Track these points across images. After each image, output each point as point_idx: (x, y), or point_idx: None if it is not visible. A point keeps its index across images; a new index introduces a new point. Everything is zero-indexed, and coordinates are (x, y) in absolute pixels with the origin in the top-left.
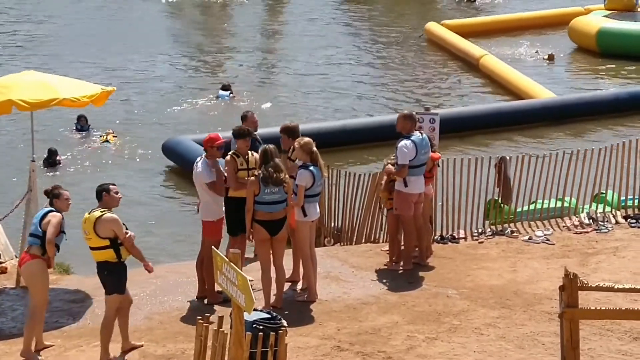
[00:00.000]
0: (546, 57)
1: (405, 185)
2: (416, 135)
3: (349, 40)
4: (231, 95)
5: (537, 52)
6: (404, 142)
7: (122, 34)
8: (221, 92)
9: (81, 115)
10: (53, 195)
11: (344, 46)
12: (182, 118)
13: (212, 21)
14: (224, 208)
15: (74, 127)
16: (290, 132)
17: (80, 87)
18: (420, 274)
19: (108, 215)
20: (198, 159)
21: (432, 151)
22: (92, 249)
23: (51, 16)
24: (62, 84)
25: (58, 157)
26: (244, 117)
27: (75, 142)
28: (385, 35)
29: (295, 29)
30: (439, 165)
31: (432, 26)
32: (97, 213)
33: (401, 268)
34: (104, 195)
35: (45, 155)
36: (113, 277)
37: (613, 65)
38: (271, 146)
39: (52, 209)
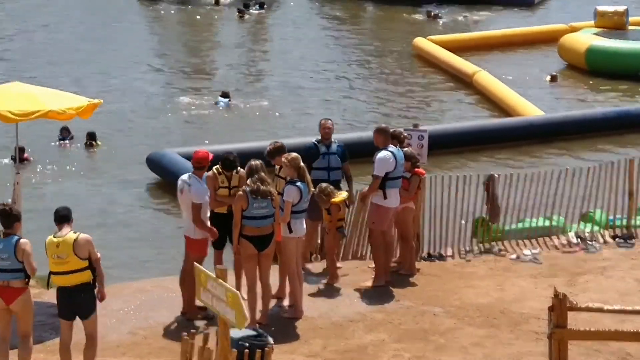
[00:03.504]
0: (548, 78)
1: (385, 198)
2: (392, 147)
3: (337, 55)
4: (230, 102)
5: (549, 77)
6: (384, 153)
7: (110, 45)
8: (220, 99)
9: (64, 127)
10: (16, 218)
11: (332, 61)
12: (177, 127)
13: (201, 33)
14: (208, 223)
15: (57, 139)
16: (277, 151)
17: (66, 99)
18: (407, 291)
19: (83, 235)
20: (186, 176)
21: (417, 167)
22: (67, 272)
23: (38, 27)
24: (47, 96)
25: (26, 155)
26: (320, 124)
27: (58, 152)
28: (373, 51)
29: (284, 44)
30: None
31: (420, 41)
32: (72, 235)
33: (370, 285)
34: (71, 219)
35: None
36: (90, 297)
37: (602, 84)
38: (257, 161)
39: (17, 236)
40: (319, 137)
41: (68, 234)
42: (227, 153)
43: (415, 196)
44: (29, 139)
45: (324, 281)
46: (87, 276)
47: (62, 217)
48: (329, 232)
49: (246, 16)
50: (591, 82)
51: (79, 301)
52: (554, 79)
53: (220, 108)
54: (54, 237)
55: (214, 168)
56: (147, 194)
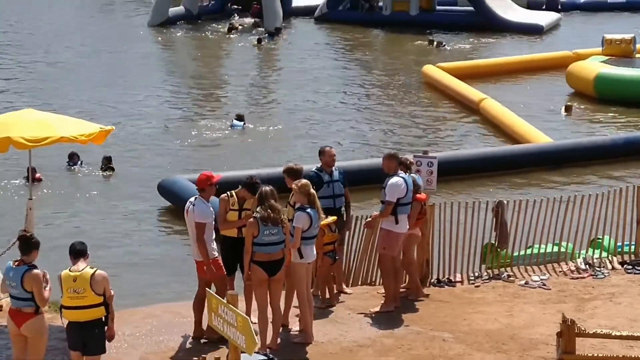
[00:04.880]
0: (563, 109)
1: (397, 223)
2: (402, 173)
3: (347, 81)
4: (244, 125)
5: (563, 108)
6: (396, 179)
7: (122, 71)
8: (235, 122)
9: (73, 152)
10: (35, 245)
11: (342, 87)
12: (192, 152)
13: (213, 58)
14: (214, 244)
15: (67, 164)
16: (294, 173)
17: (78, 126)
18: (417, 317)
19: (100, 271)
20: (192, 198)
21: (418, 193)
22: (83, 307)
23: (51, 54)
24: (60, 123)
25: (38, 175)
26: (321, 152)
27: (69, 177)
28: (383, 78)
29: (295, 70)
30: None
31: (429, 69)
32: (89, 270)
33: (379, 310)
34: (87, 254)
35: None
36: (101, 333)
37: (610, 111)
38: (268, 187)
39: (28, 266)
40: (319, 165)
41: (85, 268)
42: (251, 176)
43: (420, 222)
44: (41, 162)
45: (332, 307)
46: (100, 312)
47: (78, 252)
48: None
49: (263, 43)
50: (599, 109)
51: (90, 336)
52: (568, 109)
53: (235, 130)
54: (70, 271)
55: (229, 192)
56: (159, 220)
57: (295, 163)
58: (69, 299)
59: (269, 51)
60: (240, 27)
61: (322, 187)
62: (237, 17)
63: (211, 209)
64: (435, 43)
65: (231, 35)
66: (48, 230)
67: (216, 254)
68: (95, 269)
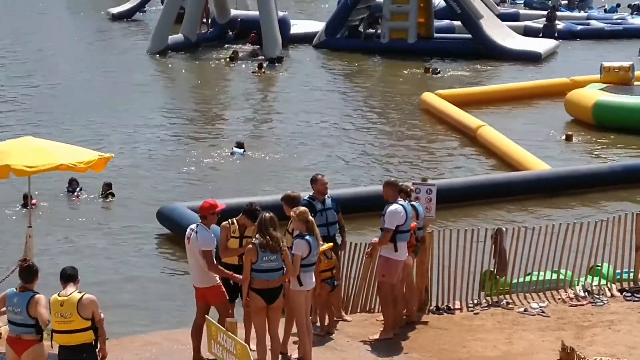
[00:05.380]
0: (564, 137)
1: (396, 250)
2: (402, 201)
3: (346, 109)
4: (244, 152)
5: (564, 137)
6: (395, 206)
7: (121, 97)
8: (236, 149)
9: (73, 178)
10: (36, 273)
11: (341, 115)
12: (192, 179)
13: (212, 85)
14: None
15: (66, 190)
16: (292, 201)
17: (77, 153)
18: (416, 344)
19: (87, 295)
20: (193, 225)
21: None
22: (70, 332)
23: (49, 81)
24: (59, 150)
25: (33, 201)
26: (313, 180)
27: (68, 203)
28: (381, 105)
29: (292, 98)
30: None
31: (427, 96)
32: (76, 295)
33: (378, 337)
34: (78, 279)
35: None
36: (91, 357)
37: (609, 138)
38: (267, 214)
39: (33, 292)
40: (312, 194)
41: (73, 293)
42: (251, 203)
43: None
44: (40, 187)
45: (331, 334)
46: (89, 336)
47: (69, 277)
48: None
49: (263, 70)
50: (598, 136)
51: None
52: (569, 138)
53: (236, 157)
54: (58, 296)
55: (230, 219)
56: (157, 247)
57: (293, 190)
58: (57, 324)
59: (269, 78)
60: (241, 54)
61: (316, 216)
62: (241, 47)
63: (213, 235)
64: (430, 70)
65: (232, 64)
66: (47, 257)
67: (218, 280)
68: (83, 293)
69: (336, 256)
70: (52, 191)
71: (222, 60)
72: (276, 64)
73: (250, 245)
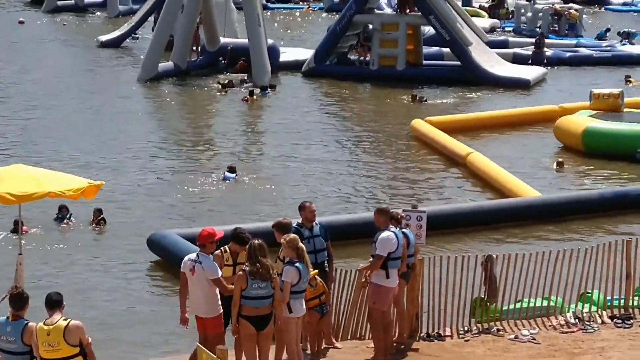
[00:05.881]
0: (555, 164)
1: (387, 278)
2: (393, 228)
3: (337, 135)
4: (236, 177)
5: (555, 164)
6: (387, 233)
7: (112, 125)
8: (227, 174)
9: (62, 205)
10: (27, 301)
11: (330, 142)
12: (184, 205)
13: (204, 111)
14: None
15: (56, 217)
16: (283, 227)
17: (66, 181)
18: None
19: (73, 322)
20: (193, 255)
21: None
22: None
23: (35, 108)
24: (48, 178)
25: (24, 228)
26: (301, 207)
27: (58, 230)
28: (371, 132)
29: (282, 124)
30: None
31: (417, 123)
32: (62, 322)
33: None
34: (63, 305)
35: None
36: None
37: (599, 165)
38: (257, 242)
39: (26, 320)
40: (300, 221)
41: (59, 321)
42: (237, 228)
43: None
44: (30, 214)
45: None
46: None
47: (54, 303)
48: None
49: (255, 97)
50: (588, 163)
51: None
52: (560, 165)
53: (228, 182)
54: (44, 324)
55: (222, 247)
56: (148, 275)
57: (284, 217)
58: (45, 352)
59: (259, 105)
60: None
61: (303, 243)
62: (230, 74)
63: (215, 262)
64: (417, 98)
65: (224, 92)
66: (38, 284)
67: (220, 310)
68: (68, 320)
69: (324, 283)
70: (42, 217)
71: (214, 87)
72: (268, 92)
73: (240, 272)
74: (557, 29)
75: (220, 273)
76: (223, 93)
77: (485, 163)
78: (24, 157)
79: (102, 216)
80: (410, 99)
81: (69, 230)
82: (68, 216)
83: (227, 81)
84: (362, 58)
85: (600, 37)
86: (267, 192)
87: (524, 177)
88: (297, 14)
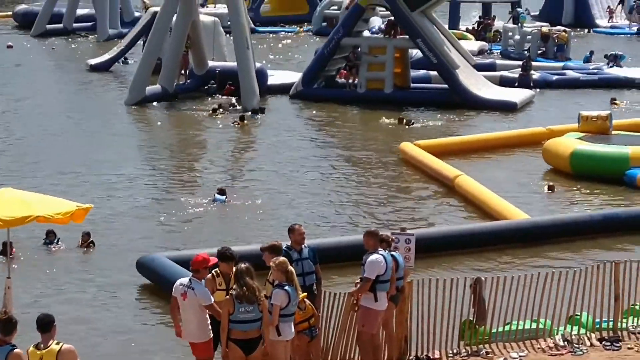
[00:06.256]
0: (546, 188)
1: (376, 300)
2: (382, 251)
3: (325, 158)
4: (226, 199)
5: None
6: (376, 256)
7: (100, 148)
8: (218, 196)
9: (50, 230)
10: (15, 326)
11: (319, 164)
12: (174, 227)
13: (192, 135)
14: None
15: (43, 242)
16: (275, 250)
17: (54, 205)
18: None
19: (66, 346)
20: (186, 280)
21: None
22: None
23: (24, 131)
24: (37, 202)
25: (13, 250)
26: (291, 230)
27: (45, 254)
28: (360, 155)
29: (271, 147)
30: None
31: (406, 146)
32: (55, 346)
33: None
34: (54, 326)
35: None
36: None
37: (587, 187)
38: (244, 265)
39: (11, 346)
40: (289, 244)
41: (51, 345)
42: (221, 248)
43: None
44: (17, 239)
45: None
46: None
47: (45, 325)
48: None
49: (245, 121)
50: (576, 185)
51: None
52: (551, 188)
53: (218, 205)
54: (36, 349)
55: (213, 271)
56: (138, 298)
57: (276, 240)
58: None
59: (249, 128)
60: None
61: (292, 266)
62: (220, 97)
63: (206, 287)
64: (404, 121)
65: (215, 115)
66: (27, 309)
67: (211, 335)
68: (61, 344)
69: (313, 306)
70: (31, 240)
71: (203, 110)
72: (259, 115)
73: (227, 297)
74: (544, 50)
75: (212, 299)
76: (214, 117)
77: (473, 186)
78: (9, 180)
79: (90, 239)
80: (398, 122)
81: (58, 254)
82: (56, 241)
83: (217, 105)
84: (350, 81)
85: (586, 60)
86: (257, 214)
87: (512, 200)
88: (282, 35)
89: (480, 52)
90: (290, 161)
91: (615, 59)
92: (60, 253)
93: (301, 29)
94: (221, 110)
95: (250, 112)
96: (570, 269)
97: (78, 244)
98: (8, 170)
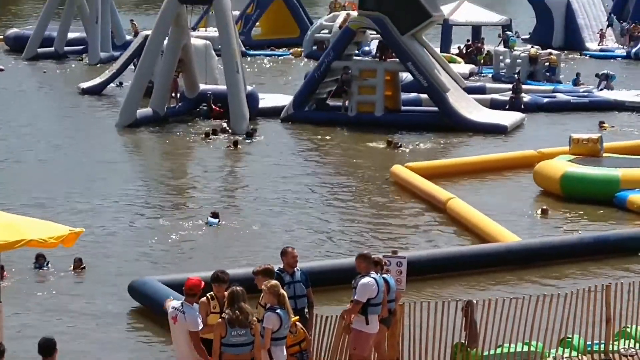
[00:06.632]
0: (539, 212)
1: (367, 323)
2: (374, 274)
3: (316, 182)
4: (219, 222)
5: (539, 211)
6: (367, 279)
7: (91, 171)
8: (211, 220)
9: (39, 254)
10: (3, 353)
11: (311, 188)
12: (167, 251)
13: (184, 158)
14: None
15: (33, 266)
16: (268, 273)
17: (47, 228)
18: None
19: None
20: (178, 304)
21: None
22: None
23: (14, 155)
24: (29, 225)
25: (5, 273)
26: (283, 253)
27: (35, 279)
28: (351, 178)
29: (263, 170)
30: None
31: (397, 169)
32: None
33: None
34: (56, 349)
35: None
36: None
37: (578, 210)
38: (238, 288)
39: None
40: (281, 266)
41: None
42: (218, 270)
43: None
44: (6, 262)
45: None
46: None
47: (47, 349)
48: None
49: (238, 147)
50: (567, 208)
51: None
52: (544, 212)
53: (211, 228)
54: None
55: (208, 294)
56: (130, 322)
57: (268, 264)
58: None
59: (241, 151)
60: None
61: (283, 288)
62: (221, 122)
63: (198, 313)
64: (392, 144)
65: (208, 140)
66: (16, 335)
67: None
68: None
69: (304, 330)
70: (20, 264)
71: (194, 133)
72: (253, 139)
73: (219, 320)
74: (533, 72)
75: (200, 326)
76: (208, 141)
77: (465, 208)
78: (1, 204)
79: (83, 266)
80: (386, 145)
81: (48, 278)
82: (46, 264)
83: (210, 130)
84: (345, 103)
85: (574, 82)
86: (249, 237)
87: (504, 222)
88: (265, 60)
89: (472, 74)
90: (282, 184)
91: (606, 79)
92: (51, 277)
93: (299, 50)
94: (215, 134)
95: (245, 136)
96: (562, 291)
97: (69, 268)
98: None
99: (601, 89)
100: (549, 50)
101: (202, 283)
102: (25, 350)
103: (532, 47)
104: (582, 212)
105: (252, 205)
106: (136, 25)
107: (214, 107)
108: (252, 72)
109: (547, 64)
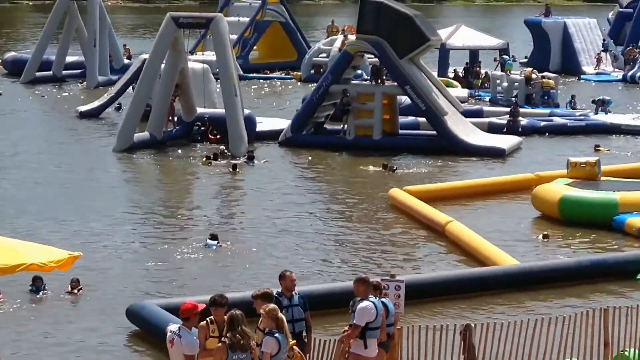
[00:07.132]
0: (541, 236)
1: (366, 347)
2: (373, 298)
3: (315, 205)
4: (219, 244)
5: (541, 236)
6: (366, 303)
7: (88, 195)
8: (209, 242)
9: (37, 276)
10: None
11: (309, 210)
12: (164, 274)
13: (181, 181)
14: None
15: (30, 289)
16: (268, 297)
17: (46, 253)
18: None
19: None
20: (175, 327)
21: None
22: None
23: (11, 179)
24: (28, 250)
25: (1, 296)
26: (282, 276)
27: (30, 301)
28: (349, 201)
29: (262, 193)
30: None
31: (395, 192)
32: None
33: None
34: None
35: None
36: None
37: (576, 233)
38: (238, 312)
39: None
40: (279, 290)
41: None
42: (217, 294)
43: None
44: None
45: None
46: None
47: None
48: None
49: (237, 170)
50: (565, 231)
51: None
52: (546, 237)
53: (210, 250)
54: None
55: (208, 318)
56: (127, 346)
57: (267, 288)
58: None
59: (240, 175)
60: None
61: (281, 312)
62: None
63: (196, 338)
64: (388, 167)
65: (208, 163)
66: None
67: None
68: None
69: (302, 354)
70: (16, 287)
71: (193, 157)
72: (253, 163)
73: (220, 344)
74: (531, 94)
75: (196, 351)
76: (208, 164)
77: (464, 232)
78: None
79: (80, 287)
80: (382, 168)
81: (46, 301)
82: (43, 287)
83: (211, 154)
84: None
85: (572, 106)
86: (248, 260)
87: (502, 245)
88: (272, 82)
89: (469, 97)
90: (280, 207)
91: (602, 104)
92: (49, 300)
93: (298, 73)
94: (215, 158)
95: (246, 158)
96: (560, 315)
97: (67, 289)
98: None
99: (596, 114)
100: (544, 74)
101: (198, 307)
102: None
103: (527, 67)
104: (580, 236)
105: (250, 228)
106: (129, 50)
107: (210, 136)
108: (249, 95)
109: (542, 87)
